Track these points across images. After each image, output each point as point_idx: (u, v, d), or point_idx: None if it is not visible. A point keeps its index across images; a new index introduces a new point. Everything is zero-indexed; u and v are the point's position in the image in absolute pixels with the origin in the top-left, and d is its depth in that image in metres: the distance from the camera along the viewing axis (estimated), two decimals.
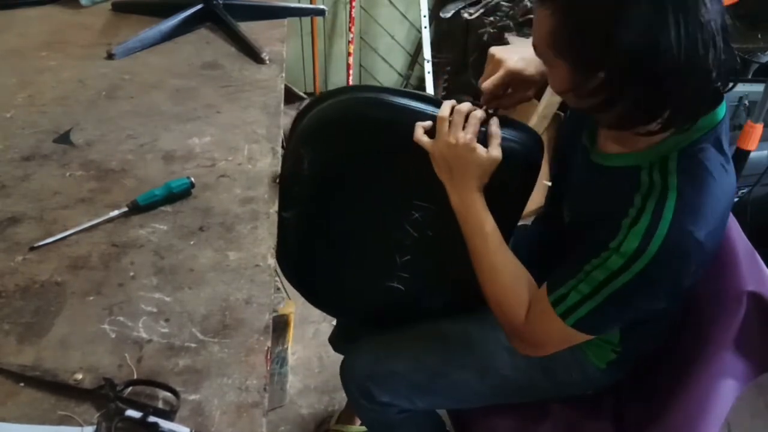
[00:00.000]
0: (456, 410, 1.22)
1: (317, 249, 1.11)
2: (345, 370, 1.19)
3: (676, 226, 0.77)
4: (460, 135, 0.90)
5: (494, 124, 0.93)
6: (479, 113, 0.92)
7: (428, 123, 0.93)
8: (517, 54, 0.98)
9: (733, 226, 1.05)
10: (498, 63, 0.98)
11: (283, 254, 1.11)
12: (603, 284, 0.82)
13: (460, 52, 2.92)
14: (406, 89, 1.00)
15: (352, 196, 1.02)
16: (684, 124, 0.80)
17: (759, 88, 1.81)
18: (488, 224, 0.94)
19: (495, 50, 1.00)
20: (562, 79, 0.81)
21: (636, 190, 0.82)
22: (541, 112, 2.23)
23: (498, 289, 0.95)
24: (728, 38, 0.74)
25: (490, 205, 0.94)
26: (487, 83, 0.98)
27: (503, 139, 0.93)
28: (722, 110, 0.84)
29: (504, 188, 0.95)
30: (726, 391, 0.94)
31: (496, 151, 0.91)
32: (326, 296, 1.19)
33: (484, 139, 0.92)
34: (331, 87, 2.94)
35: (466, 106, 0.93)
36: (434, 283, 1.09)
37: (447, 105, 0.93)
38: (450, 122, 0.91)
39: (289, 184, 1.02)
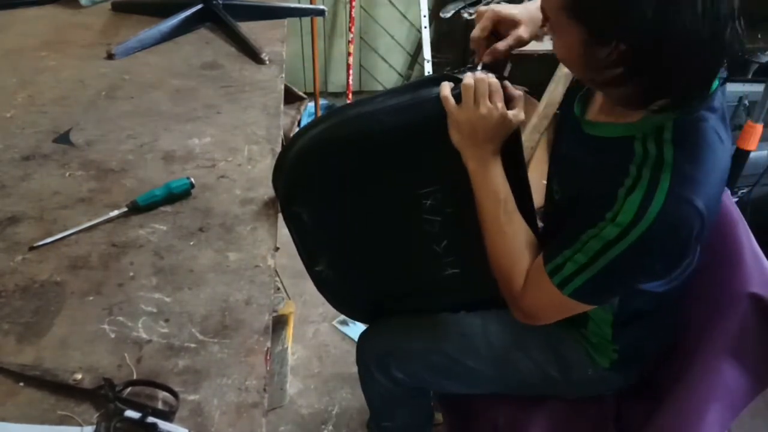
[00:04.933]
0: (460, 397, 1.22)
1: (365, 282, 1.12)
2: (364, 343, 1.20)
3: (673, 195, 0.77)
4: (492, 106, 0.88)
5: (509, 86, 0.91)
6: (495, 80, 0.90)
7: (450, 84, 0.90)
8: (522, 13, 0.96)
9: (741, 224, 1.04)
10: (513, 23, 0.95)
11: (343, 305, 1.18)
12: (599, 254, 0.81)
13: (460, 52, 2.92)
14: (361, 99, 0.97)
15: (363, 218, 1.01)
16: (695, 99, 0.79)
17: (759, 88, 1.81)
18: (504, 189, 0.93)
19: (499, 7, 0.97)
20: (571, 46, 0.78)
21: (630, 160, 0.81)
22: (542, 112, 2.23)
23: (502, 256, 0.95)
24: (739, 16, 0.73)
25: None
26: (475, 31, 0.95)
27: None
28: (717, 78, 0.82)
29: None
30: (722, 397, 0.94)
31: (522, 114, 0.90)
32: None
33: None
34: (331, 87, 2.93)
35: (483, 75, 0.90)
36: (482, 252, 1.05)
37: (469, 75, 0.90)
38: (475, 91, 0.88)
39: (305, 244, 1.03)
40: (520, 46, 0.96)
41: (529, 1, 1.01)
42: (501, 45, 0.95)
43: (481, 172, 0.92)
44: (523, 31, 0.95)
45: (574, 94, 0.99)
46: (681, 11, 0.69)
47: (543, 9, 0.81)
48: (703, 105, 0.81)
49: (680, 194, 0.77)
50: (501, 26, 0.96)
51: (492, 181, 0.92)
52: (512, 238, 0.94)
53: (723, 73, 0.81)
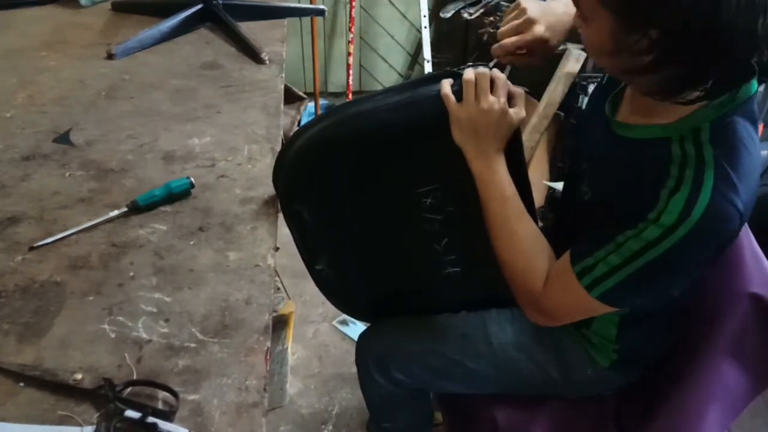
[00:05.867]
0: (460, 397, 1.22)
1: (365, 281, 1.12)
2: (363, 345, 1.20)
3: (717, 194, 0.76)
4: (493, 100, 0.87)
5: (509, 84, 0.91)
6: (502, 76, 0.89)
7: (449, 81, 0.90)
8: (545, 16, 0.95)
9: None
10: (528, 23, 0.95)
11: (344, 304, 1.17)
12: (637, 255, 0.80)
13: (460, 52, 2.93)
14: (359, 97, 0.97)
15: (363, 217, 1.01)
16: (726, 93, 0.78)
17: (759, 88, 1.80)
18: (509, 188, 0.92)
19: (526, 3, 0.96)
20: (602, 35, 0.77)
21: (669, 161, 0.80)
22: (542, 112, 2.23)
23: (516, 257, 0.93)
24: None
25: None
26: (511, 41, 0.95)
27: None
28: (755, 84, 0.82)
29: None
30: (722, 397, 0.94)
31: (523, 111, 0.90)
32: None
33: None
34: (331, 87, 2.94)
35: (486, 69, 0.90)
36: (483, 249, 1.05)
37: (470, 70, 0.90)
38: (476, 86, 0.88)
39: (305, 243, 1.03)
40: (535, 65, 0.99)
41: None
42: (520, 61, 0.97)
43: (485, 172, 0.91)
44: (544, 61, 0.97)
45: (602, 95, 0.99)
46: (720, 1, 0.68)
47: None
48: (737, 104, 0.80)
49: (724, 193, 0.76)
50: (534, 49, 0.96)
51: (497, 181, 0.92)
52: (525, 238, 0.93)
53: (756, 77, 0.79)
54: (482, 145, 0.90)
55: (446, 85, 0.90)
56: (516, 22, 0.96)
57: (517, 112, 0.90)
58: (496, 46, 0.96)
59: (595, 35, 0.79)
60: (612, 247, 0.82)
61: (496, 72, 0.89)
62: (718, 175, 0.77)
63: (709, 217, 0.76)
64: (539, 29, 0.95)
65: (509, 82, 0.91)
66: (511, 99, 0.90)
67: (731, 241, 0.80)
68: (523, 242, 0.93)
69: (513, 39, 0.95)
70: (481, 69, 0.90)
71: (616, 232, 0.82)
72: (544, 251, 0.93)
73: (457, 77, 0.90)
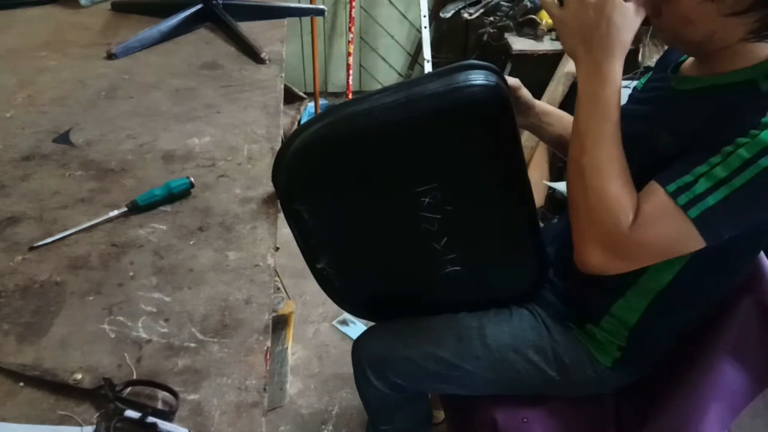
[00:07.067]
0: (460, 396, 1.22)
1: (366, 280, 1.12)
2: (359, 351, 1.19)
3: None
4: None
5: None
6: None
7: None
8: None
9: None
10: None
11: (344, 302, 1.17)
12: (748, 163, 0.72)
13: (460, 52, 2.93)
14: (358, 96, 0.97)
15: (362, 216, 1.01)
16: None
17: None
18: (616, 112, 0.82)
19: None
20: None
21: (764, 91, 0.76)
22: None
23: (608, 182, 0.82)
24: None
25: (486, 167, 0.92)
26: None
27: (471, 85, 0.85)
28: None
29: (494, 134, 0.91)
30: (723, 397, 0.94)
31: (643, 11, 0.81)
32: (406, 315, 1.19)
33: None
34: (331, 87, 2.94)
35: None
36: (483, 247, 1.04)
37: None
38: None
39: (306, 241, 1.03)
40: None
41: None
42: None
43: (597, 83, 0.82)
44: None
45: (658, 77, 0.98)
46: None
47: None
48: None
49: None
50: None
51: (608, 96, 0.81)
52: (620, 162, 0.82)
53: None
54: (594, 50, 0.81)
55: None
56: None
57: (637, 11, 0.80)
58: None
59: None
60: (717, 158, 0.75)
61: None
62: None
63: None
64: None
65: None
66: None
67: None
68: (618, 165, 0.82)
69: None
70: None
71: (724, 143, 0.75)
72: (631, 183, 0.83)
73: (460, 70, 0.89)
